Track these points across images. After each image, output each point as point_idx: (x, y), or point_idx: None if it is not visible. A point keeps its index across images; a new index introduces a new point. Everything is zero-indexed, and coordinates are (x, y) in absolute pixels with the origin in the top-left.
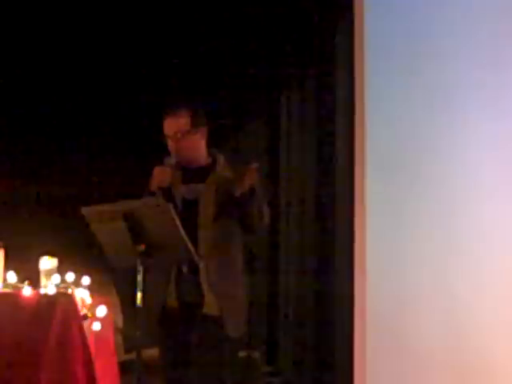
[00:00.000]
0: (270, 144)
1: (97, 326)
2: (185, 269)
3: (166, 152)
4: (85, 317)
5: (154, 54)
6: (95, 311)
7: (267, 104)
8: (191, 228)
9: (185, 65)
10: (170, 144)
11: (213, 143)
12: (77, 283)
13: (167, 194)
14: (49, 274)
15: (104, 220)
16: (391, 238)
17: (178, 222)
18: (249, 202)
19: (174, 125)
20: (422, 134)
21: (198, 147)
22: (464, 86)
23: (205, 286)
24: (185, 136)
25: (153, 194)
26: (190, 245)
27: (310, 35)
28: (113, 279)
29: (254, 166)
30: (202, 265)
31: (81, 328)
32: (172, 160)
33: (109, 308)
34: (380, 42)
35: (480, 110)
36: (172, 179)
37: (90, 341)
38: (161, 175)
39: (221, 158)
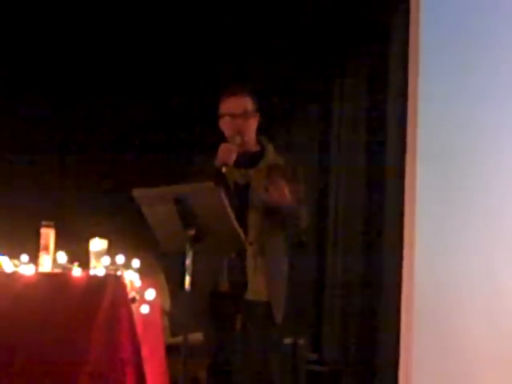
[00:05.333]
0: (320, 134)
1: (145, 309)
2: (233, 254)
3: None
4: (133, 299)
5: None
6: (144, 294)
7: (318, 93)
8: (242, 212)
9: (236, 50)
10: (232, 122)
11: (262, 131)
12: (126, 266)
13: (221, 176)
14: (98, 255)
15: (155, 203)
16: (440, 230)
17: (228, 208)
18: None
19: (239, 103)
20: (474, 126)
21: (254, 131)
22: None
23: (250, 272)
24: (248, 116)
25: (217, 172)
26: (239, 231)
27: (364, 21)
28: (161, 262)
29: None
30: (249, 250)
31: (129, 310)
32: (237, 139)
33: (157, 291)
34: (435, 35)
35: None
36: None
37: (138, 323)
38: (226, 153)
39: (270, 147)
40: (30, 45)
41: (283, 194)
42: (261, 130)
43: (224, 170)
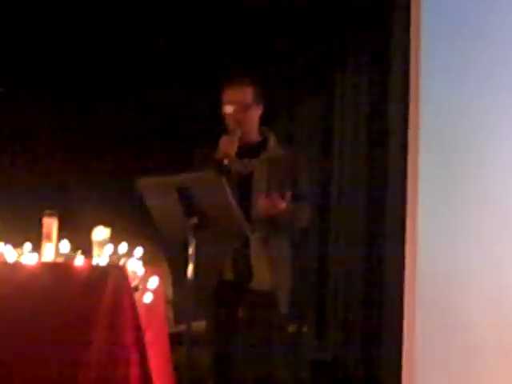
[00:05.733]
0: (322, 124)
1: (148, 298)
2: (236, 243)
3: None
4: (136, 288)
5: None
6: (147, 283)
7: (320, 84)
8: (245, 202)
9: (239, 40)
10: (232, 114)
11: (264, 122)
12: (129, 254)
13: (224, 166)
14: (101, 244)
15: (157, 192)
16: (443, 219)
17: (230, 196)
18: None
19: (240, 95)
20: (476, 114)
21: (255, 122)
22: None
23: (254, 261)
24: (249, 108)
25: (219, 163)
26: (242, 219)
27: (365, 13)
28: (164, 251)
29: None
30: (253, 239)
31: (132, 299)
32: (238, 131)
33: (160, 280)
34: (437, 22)
35: None
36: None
37: (141, 312)
38: (227, 144)
39: (272, 137)
40: (30, 39)
41: (273, 205)
42: (263, 120)
43: (226, 161)
